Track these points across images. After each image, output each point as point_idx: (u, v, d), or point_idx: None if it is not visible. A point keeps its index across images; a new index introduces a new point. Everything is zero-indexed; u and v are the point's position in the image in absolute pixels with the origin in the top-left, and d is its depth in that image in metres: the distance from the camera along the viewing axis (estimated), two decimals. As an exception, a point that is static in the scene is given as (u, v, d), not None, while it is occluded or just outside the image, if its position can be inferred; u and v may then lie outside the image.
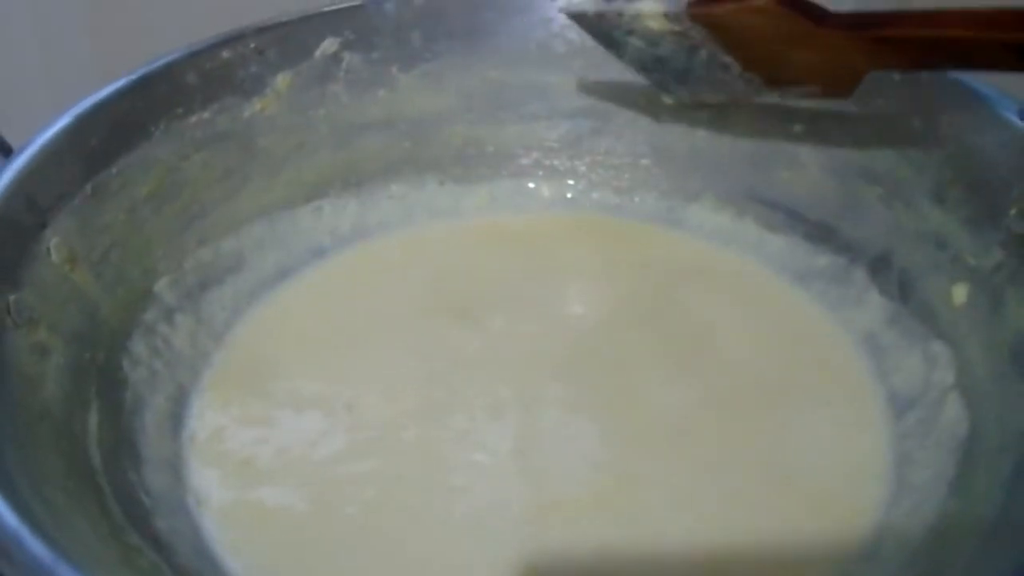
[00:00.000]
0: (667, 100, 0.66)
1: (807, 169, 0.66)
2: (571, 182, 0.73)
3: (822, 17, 0.56)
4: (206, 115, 0.62)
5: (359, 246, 0.69)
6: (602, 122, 0.72)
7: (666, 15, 0.60)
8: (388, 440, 0.56)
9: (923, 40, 0.53)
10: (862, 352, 0.61)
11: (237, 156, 0.64)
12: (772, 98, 0.61)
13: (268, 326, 0.63)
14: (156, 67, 0.61)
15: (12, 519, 0.38)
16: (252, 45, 0.64)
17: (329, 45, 0.66)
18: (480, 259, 0.68)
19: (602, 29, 0.64)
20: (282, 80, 0.65)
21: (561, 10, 0.67)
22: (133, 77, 0.59)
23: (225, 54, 0.63)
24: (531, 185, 0.73)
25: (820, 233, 0.66)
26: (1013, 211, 0.55)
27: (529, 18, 0.69)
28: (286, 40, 0.65)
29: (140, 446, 0.53)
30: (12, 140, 0.57)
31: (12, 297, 0.49)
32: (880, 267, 0.63)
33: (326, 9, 0.66)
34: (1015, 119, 0.56)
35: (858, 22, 0.55)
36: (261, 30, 0.64)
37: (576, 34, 0.68)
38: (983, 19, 0.51)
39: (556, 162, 0.73)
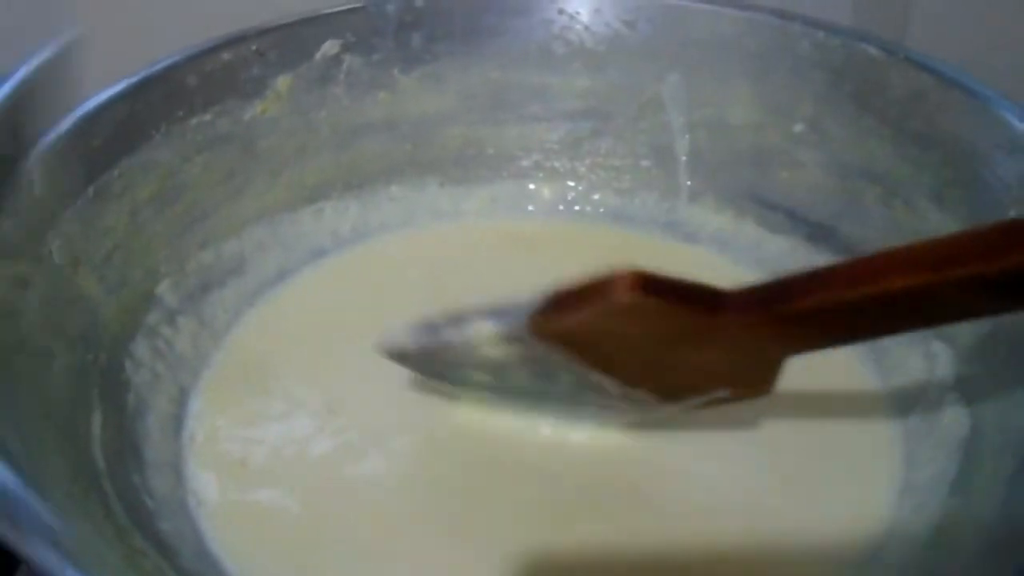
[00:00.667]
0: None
1: (807, 169, 0.66)
2: (572, 184, 0.73)
3: (715, 300, 0.44)
4: (207, 117, 0.62)
5: (360, 248, 0.69)
6: (603, 123, 0.72)
7: (506, 338, 0.48)
8: (384, 442, 0.55)
9: (855, 304, 0.41)
10: (863, 351, 0.60)
11: (238, 158, 0.64)
12: (672, 411, 0.50)
13: (268, 327, 0.63)
14: (156, 69, 0.60)
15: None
16: (253, 47, 0.64)
17: (330, 47, 0.66)
18: (481, 261, 0.68)
19: (434, 368, 0.54)
20: (283, 82, 0.65)
21: (383, 352, 0.54)
22: (133, 80, 0.59)
23: (226, 56, 0.63)
24: (532, 187, 0.73)
25: (820, 233, 0.66)
26: (1012, 212, 0.54)
27: (529, 20, 0.69)
28: (287, 42, 0.65)
29: (143, 448, 0.53)
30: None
31: (15, 300, 0.49)
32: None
33: (327, 11, 0.66)
34: (1015, 120, 0.56)
35: (765, 296, 0.43)
36: (262, 32, 0.64)
37: (576, 36, 0.69)
38: (939, 254, 0.39)
39: (557, 164, 0.73)
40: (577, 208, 0.72)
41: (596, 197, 0.72)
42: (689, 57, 0.68)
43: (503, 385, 0.52)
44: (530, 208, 0.72)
